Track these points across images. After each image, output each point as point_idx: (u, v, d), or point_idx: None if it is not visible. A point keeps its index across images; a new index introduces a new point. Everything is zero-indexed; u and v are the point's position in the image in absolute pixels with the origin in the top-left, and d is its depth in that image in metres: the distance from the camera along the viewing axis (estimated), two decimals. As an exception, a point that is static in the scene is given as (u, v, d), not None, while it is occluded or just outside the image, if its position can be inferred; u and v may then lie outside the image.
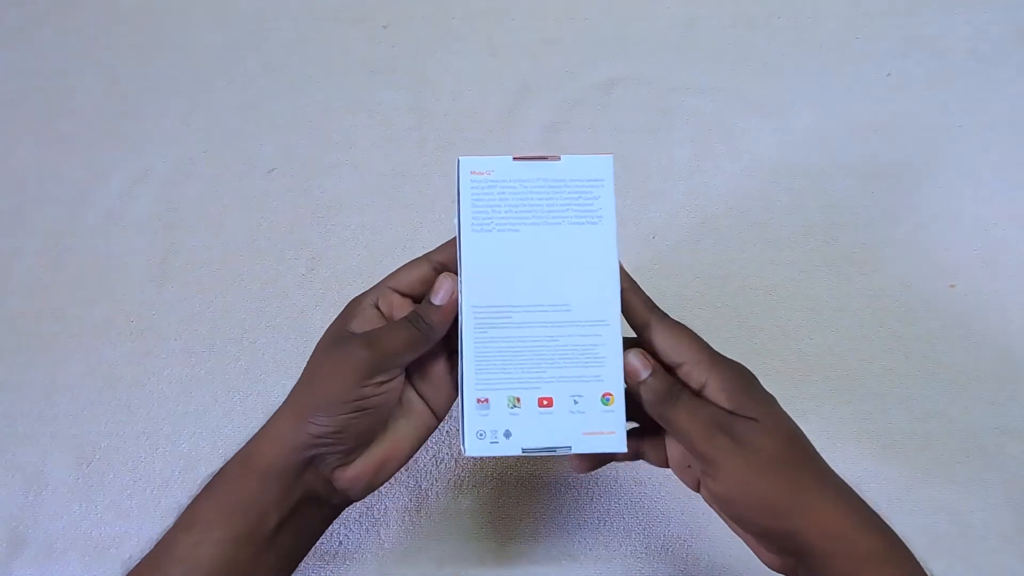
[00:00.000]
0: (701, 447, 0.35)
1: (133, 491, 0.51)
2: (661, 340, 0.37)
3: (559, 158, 0.37)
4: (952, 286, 0.57)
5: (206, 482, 0.37)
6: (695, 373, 0.36)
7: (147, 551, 0.36)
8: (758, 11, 0.70)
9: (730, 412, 0.35)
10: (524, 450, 0.36)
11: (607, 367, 0.36)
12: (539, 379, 0.36)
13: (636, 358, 0.36)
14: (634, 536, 0.50)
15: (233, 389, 0.54)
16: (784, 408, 0.36)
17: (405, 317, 0.37)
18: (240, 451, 0.38)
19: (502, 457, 0.52)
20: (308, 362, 0.38)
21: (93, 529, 0.50)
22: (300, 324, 0.56)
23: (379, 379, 0.35)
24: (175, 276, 0.58)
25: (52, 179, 0.63)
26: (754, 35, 0.69)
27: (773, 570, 0.37)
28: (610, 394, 0.36)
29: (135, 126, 0.65)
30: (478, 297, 0.36)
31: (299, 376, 0.38)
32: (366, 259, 0.59)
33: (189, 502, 0.37)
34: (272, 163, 0.63)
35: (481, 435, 0.36)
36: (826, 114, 0.64)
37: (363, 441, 0.37)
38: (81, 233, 0.60)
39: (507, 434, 0.36)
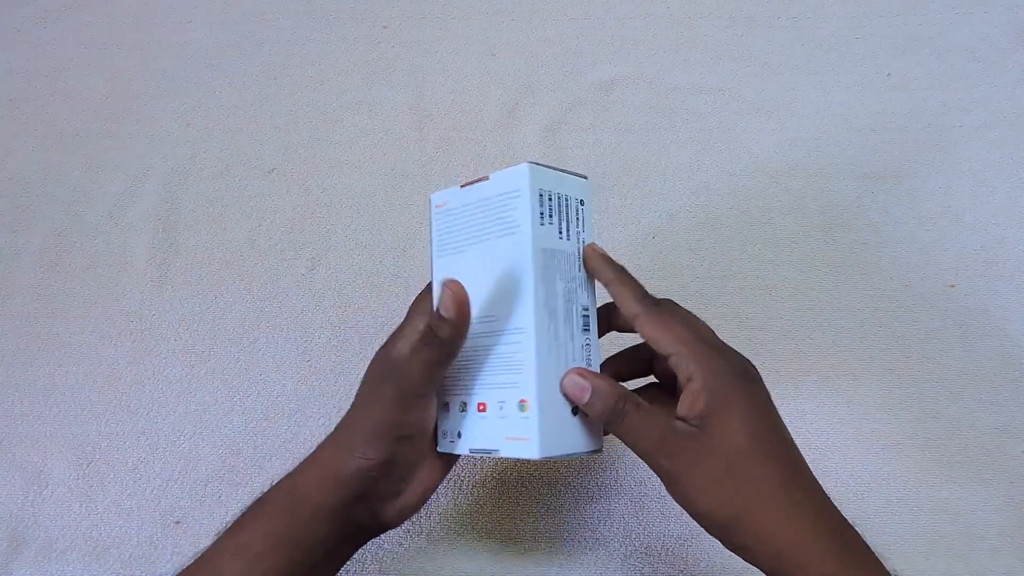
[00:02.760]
0: (650, 463, 0.35)
1: (133, 491, 0.51)
2: (650, 331, 0.36)
3: (488, 176, 0.38)
4: (952, 286, 0.57)
5: (250, 504, 0.38)
6: (683, 365, 0.35)
7: (184, 566, 0.37)
8: (758, 11, 0.70)
9: (682, 421, 0.34)
10: (471, 450, 0.38)
11: (523, 373, 0.36)
12: (477, 386, 0.38)
13: (573, 381, 0.36)
14: (634, 536, 0.50)
15: (233, 389, 0.54)
16: (783, 406, 0.36)
17: (420, 337, 0.36)
18: (288, 479, 0.38)
19: (492, 458, 0.52)
20: (358, 389, 0.39)
21: (93, 529, 0.50)
22: (300, 324, 0.56)
23: (415, 403, 0.36)
24: (175, 276, 0.58)
25: (52, 179, 0.63)
26: (754, 35, 0.69)
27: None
28: (525, 400, 0.35)
29: (135, 126, 0.65)
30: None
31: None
32: (366, 259, 0.59)
33: (233, 523, 0.37)
34: (272, 163, 0.63)
35: (444, 435, 0.39)
36: (826, 114, 0.64)
37: (413, 469, 0.38)
38: (81, 233, 0.60)
39: (459, 435, 0.38)
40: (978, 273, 0.58)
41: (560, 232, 0.37)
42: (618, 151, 0.63)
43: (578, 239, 0.38)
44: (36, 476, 0.52)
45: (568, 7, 0.70)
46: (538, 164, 0.37)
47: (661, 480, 0.35)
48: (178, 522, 0.50)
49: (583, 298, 0.38)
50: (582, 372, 0.36)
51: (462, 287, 0.35)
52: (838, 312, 0.56)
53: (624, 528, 0.50)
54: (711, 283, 0.57)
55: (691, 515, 0.35)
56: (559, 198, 0.38)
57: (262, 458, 0.52)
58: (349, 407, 0.39)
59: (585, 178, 0.39)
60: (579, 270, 0.38)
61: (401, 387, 0.36)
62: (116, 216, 0.61)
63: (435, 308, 0.35)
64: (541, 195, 0.37)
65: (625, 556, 0.49)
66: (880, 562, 0.33)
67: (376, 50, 0.68)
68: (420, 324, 0.38)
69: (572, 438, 0.36)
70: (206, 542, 0.50)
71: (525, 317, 0.36)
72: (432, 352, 0.35)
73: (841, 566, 0.32)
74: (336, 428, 0.38)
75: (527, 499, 0.51)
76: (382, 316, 0.57)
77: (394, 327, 0.57)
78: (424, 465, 0.39)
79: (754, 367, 0.36)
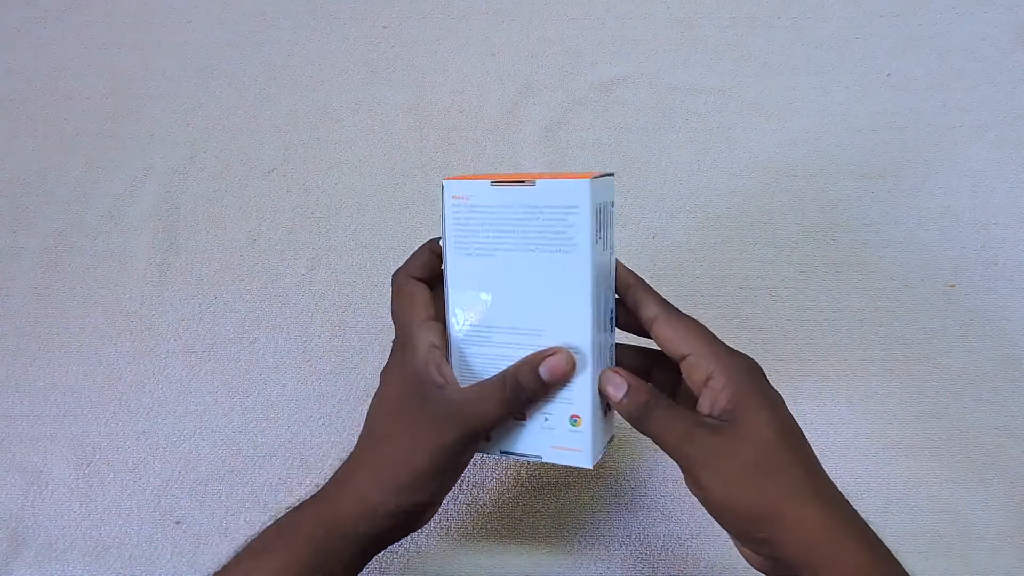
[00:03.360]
0: (677, 456, 0.35)
1: (133, 491, 0.51)
2: (668, 333, 0.37)
3: (534, 183, 0.35)
4: (952, 286, 0.57)
5: (274, 525, 0.38)
6: (701, 364, 0.35)
7: None
8: (758, 11, 0.70)
9: (708, 417, 0.35)
10: (502, 452, 0.38)
11: (576, 391, 0.36)
12: None
13: (609, 381, 0.36)
14: (634, 536, 0.50)
15: (233, 389, 0.54)
16: (787, 407, 0.36)
17: (500, 379, 0.36)
18: (323, 507, 0.37)
19: (491, 458, 0.52)
20: (379, 408, 0.38)
21: (93, 529, 0.50)
22: (300, 324, 0.56)
23: (474, 448, 0.37)
24: (175, 276, 0.58)
25: (52, 179, 0.63)
26: (754, 35, 0.69)
27: (755, 568, 0.36)
28: (578, 416, 0.36)
29: (135, 126, 0.65)
30: (461, 316, 0.38)
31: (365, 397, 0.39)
32: (366, 259, 0.59)
33: (256, 546, 0.37)
34: (272, 163, 0.63)
35: None
36: (826, 114, 0.64)
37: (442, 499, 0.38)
38: (81, 233, 0.60)
39: (487, 437, 0.38)
40: (978, 273, 0.58)
41: (604, 243, 0.37)
42: (618, 151, 0.63)
43: (607, 243, 0.37)
44: (36, 476, 0.52)
45: (568, 7, 0.70)
46: (594, 178, 0.35)
47: (684, 473, 0.36)
48: (178, 522, 0.50)
49: (611, 301, 0.38)
50: (619, 371, 0.37)
51: (574, 361, 0.35)
52: (838, 312, 0.56)
53: (624, 528, 0.50)
54: (711, 283, 0.57)
55: (713, 508, 0.35)
56: (602, 208, 0.36)
57: (262, 458, 0.52)
58: (380, 431, 0.37)
59: (612, 175, 0.38)
60: (610, 274, 0.38)
61: (464, 434, 0.35)
62: (116, 216, 0.61)
63: (539, 367, 0.35)
64: (596, 212, 0.35)
65: (625, 556, 0.49)
66: (899, 562, 0.34)
67: (376, 50, 0.68)
68: (434, 338, 0.37)
69: (604, 436, 0.39)
70: (206, 542, 0.50)
71: (581, 338, 0.36)
72: (509, 405, 0.36)
73: (872, 558, 0.33)
74: (369, 446, 0.38)
75: (527, 499, 0.51)
76: (382, 316, 0.57)
77: (393, 327, 0.57)
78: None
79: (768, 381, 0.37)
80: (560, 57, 0.68)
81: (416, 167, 0.63)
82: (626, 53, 0.68)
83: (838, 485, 0.35)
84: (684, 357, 0.36)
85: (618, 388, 0.36)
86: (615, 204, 0.38)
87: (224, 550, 0.37)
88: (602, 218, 0.36)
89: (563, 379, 0.36)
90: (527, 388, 0.36)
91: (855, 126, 0.64)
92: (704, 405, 0.35)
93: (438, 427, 0.35)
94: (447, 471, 0.36)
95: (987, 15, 0.69)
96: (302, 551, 0.36)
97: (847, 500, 0.35)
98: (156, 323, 0.57)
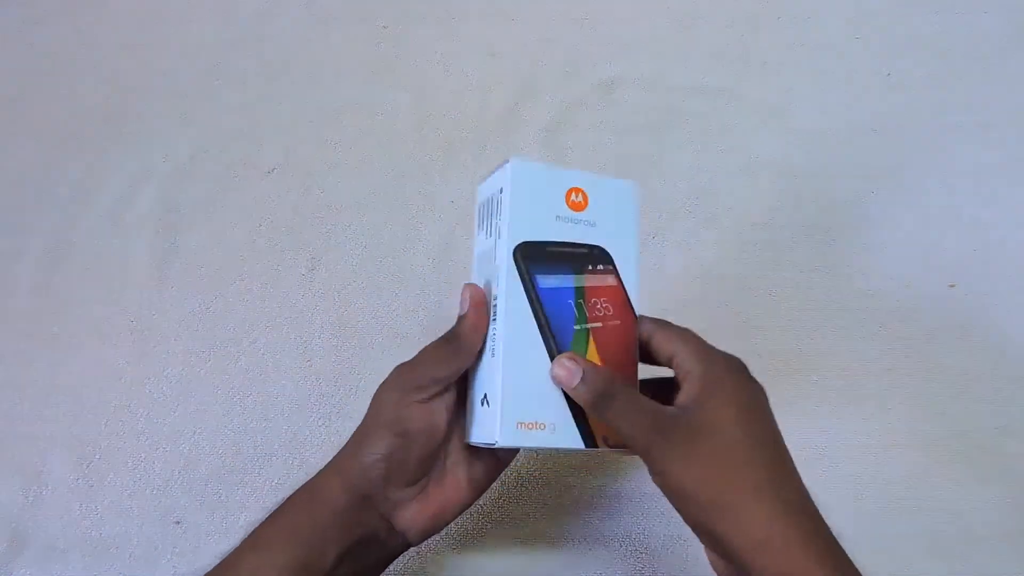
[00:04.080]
0: (635, 446, 0.35)
1: (133, 491, 0.51)
2: (656, 341, 0.38)
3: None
4: (952, 286, 0.57)
5: (278, 504, 0.38)
6: (684, 363, 0.36)
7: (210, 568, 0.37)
8: (758, 11, 0.70)
9: (675, 407, 0.35)
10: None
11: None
12: None
13: (563, 365, 0.36)
14: (635, 536, 0.50)
15: (233, 389, 0.54)
16: (783, 406, 0.36)
17: (444, 335, 0.38)
18: (310, 480, 0.38)
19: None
20: None
21: (93, 529, 0.50)
22: (300, 324, 0.56)
23: (414, 397, 0.36)
24: (175, 276, 0.58)
25: (52, 179, 0.63)
26: (754, 35, 0.69)
27: (717, 573, 0.36)
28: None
29: (135, 126, 0.65)
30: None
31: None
32: (366, 259, 0.59)
33: (260, 522, 0.38)
34: (272, 163, 0.63)
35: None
36: (826, 114, 0.64)
37: (415, 475, 0.37)
38: (81, 233, 0.60)
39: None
40: (978, 273, 0.58)
41: (488, 233, 0.39)
42: (618, 151, 0.63)
43: (497, 231, 0.38)
44: (36, 476, 0.52)
45: (568, 7, 0.70)
46: (482, 180, 0.40)
47: (647, 464, 0.35)
48: (178, 522, 0.50)
49: (494, 288, 0.38)
50: (573, 357, 0.36)
51: (480, 290, 0.38)
52: (838, 312, 0.56)
53: (625, 528, 0.50)
54: (711, 283, 0.57)
55: (674, 499, 0.35)
56: (488, 202, 0.39)
57: (262, 458, 0.52)
58: None
59: (507, 161, 0.38)
60: (494, 260, 0.38)
61: (404, 382, 0.37)
62: (116, 216, 0.61)
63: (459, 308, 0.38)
64: (479, 209, 0.40)
65: (626, 556, 0.49)
66: (858, 571, 0.33)
67: (376, 50, 0.68)
68: None
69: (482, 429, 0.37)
70: (206, 542, 0.50)
71: None
72: (447, 351, 0.37)
73: (823, 569, 0.32)
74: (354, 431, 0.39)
75: (527, 499, 0.51)
76: (382, 316, 0.57)
77: (394, 327, 0.57)
78: (443, 483, 0.39)
79: (754, 379, 0.37)
80: (560, 57, 0.68)
81: (416, 167, 0.63)
82: (626, 53, 0.68)
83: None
84: (672, 358, 0.37)
85: (571, 374, 0.35)
86: (506, 189, 0.38)
87: (224, 550, 0.37)
88: (488, 211, 0.40)
89: (469, 301, 0.37)
90: (458, 330, 0.37)
91: (855, 126, 0.64)
92: (680, 396, 0.36)
93: (385, 388, 0.37)
94: (391, 425, 0.36)
95: (987, 15, 0.69)
96: (289, 519, 0.37)
97: (814, 509, 0.34)
98: (156, 323, 0.57)
